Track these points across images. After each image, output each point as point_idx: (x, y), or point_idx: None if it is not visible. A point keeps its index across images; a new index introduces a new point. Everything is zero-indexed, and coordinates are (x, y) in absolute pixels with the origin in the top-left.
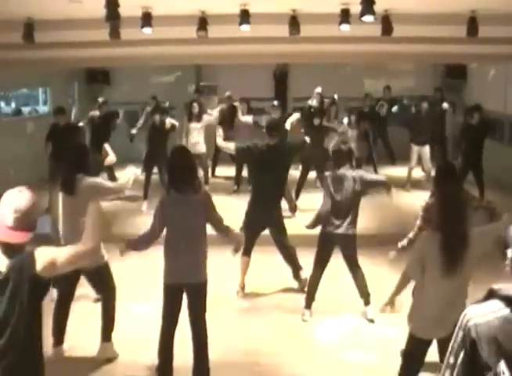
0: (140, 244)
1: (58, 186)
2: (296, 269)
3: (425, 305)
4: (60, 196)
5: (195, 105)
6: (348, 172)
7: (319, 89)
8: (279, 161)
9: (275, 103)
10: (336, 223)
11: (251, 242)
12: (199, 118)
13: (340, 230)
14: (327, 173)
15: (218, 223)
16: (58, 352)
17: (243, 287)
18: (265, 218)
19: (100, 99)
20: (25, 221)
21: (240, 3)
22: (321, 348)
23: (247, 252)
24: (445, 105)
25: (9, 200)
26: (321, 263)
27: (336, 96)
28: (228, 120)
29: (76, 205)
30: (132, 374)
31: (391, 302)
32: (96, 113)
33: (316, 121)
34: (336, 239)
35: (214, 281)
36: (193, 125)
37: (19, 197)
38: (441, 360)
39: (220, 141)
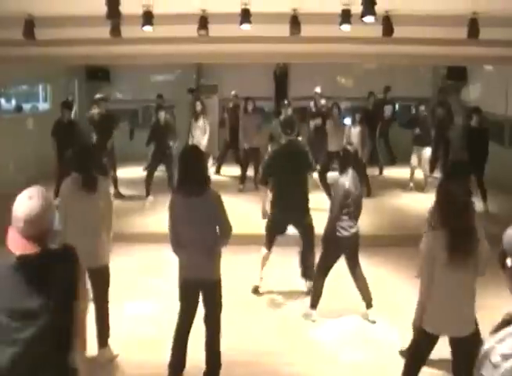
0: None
1: (72, 183)
2: (307, 271)
3: (435, 300)
4: (75, 193)
5: (198, 103)
6: (353, 174)
7: (318, 89)
8: (297, 159)
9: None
10: (347, 226)
11: (272, 239)
12: (202, 116)
13: (353, 231)
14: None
15: (221, 225)
16: None
17: (261, 280)
18: (288, 219)
19: (97, 96)
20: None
21: (241, 2)
22: (322, 348)
23: (267, 247)
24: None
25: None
26: (327, 266)
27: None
28: (232, 120)
29: (94, 203)
30: (138, 372)
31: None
32: (95, 110)
33: (316, 123)
34: (346, 242)
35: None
36: (197, 124)
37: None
38: (454, 360)
39: None
